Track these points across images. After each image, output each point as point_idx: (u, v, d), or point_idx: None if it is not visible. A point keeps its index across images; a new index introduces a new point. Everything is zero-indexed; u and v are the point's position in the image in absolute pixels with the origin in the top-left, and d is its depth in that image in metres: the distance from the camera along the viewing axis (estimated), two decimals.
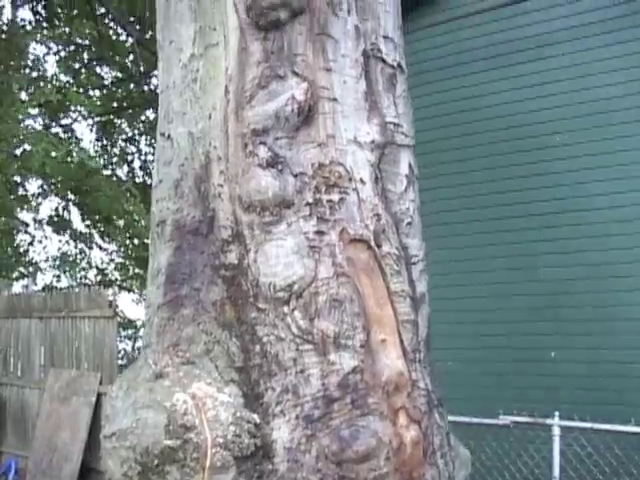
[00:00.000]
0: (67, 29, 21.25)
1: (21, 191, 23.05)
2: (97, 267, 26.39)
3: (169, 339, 2.88)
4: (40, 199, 23.84)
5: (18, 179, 22.17)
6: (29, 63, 20.00)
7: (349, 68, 2.93)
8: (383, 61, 3.07)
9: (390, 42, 3.12)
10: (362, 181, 2.85)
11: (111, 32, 21.05)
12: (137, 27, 18.60)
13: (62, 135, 22.01)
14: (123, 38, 21.10)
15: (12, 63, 16.91)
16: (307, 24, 2.88)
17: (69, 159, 19.53)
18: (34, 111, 20.12)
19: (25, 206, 23.70)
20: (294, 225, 2.73)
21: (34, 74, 20.47)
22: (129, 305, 26.41)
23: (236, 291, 2.81)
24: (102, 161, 23.80)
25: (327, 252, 2.73)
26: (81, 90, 21.28)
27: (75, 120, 22.73)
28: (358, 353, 2.69)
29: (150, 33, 17.22)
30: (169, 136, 3.10)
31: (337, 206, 2.77)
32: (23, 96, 19.24)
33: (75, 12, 20.09)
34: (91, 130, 23.50)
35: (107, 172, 23.81)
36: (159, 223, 3.07)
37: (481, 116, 10.17)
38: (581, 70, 9.66)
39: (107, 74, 23.38)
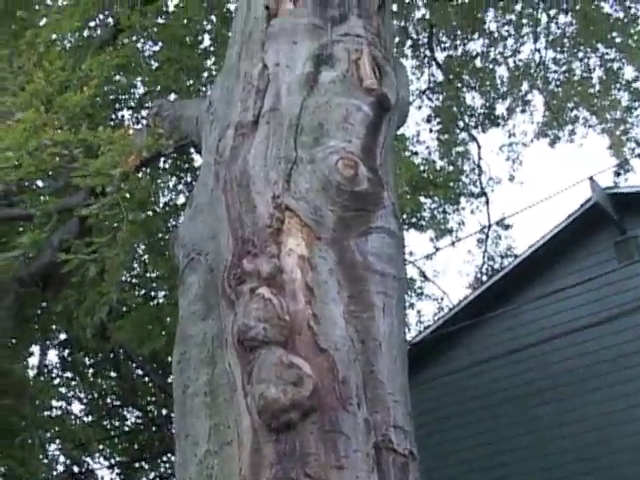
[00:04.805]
0: (91, 373, 21.84)
1: None
2: None
3: None
4: None
5: None
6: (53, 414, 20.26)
7: (360, 463, 2.96)
8: (394, 451, 3.11)
9: (400, 431, 3.18)
10: None
11: (134, 376, 21.56)
12: (159, 372, 19.06)
13: None
14: (146, 379, 21.60)
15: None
16: (318, 422, 2.97)
17: None
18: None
19: None
20: None
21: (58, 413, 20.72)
22: None
23: None
24: None
25: None
26: (104, 430, 21.39)
27: (96, 461, 22.59)
28: None
29: (171, 377, 17.61)
30: None
31: None
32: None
33: (99, 357, 20.79)
34: (112, 471, 23.26)
35: None
36: None
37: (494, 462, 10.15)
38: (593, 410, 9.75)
39: (130, 414, 23.62)
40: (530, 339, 10.36)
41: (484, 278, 18.15)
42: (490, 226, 18.70)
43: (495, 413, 10.44)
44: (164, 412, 19.97)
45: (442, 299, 21.20)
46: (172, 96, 11.60)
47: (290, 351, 3.06)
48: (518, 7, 15.08)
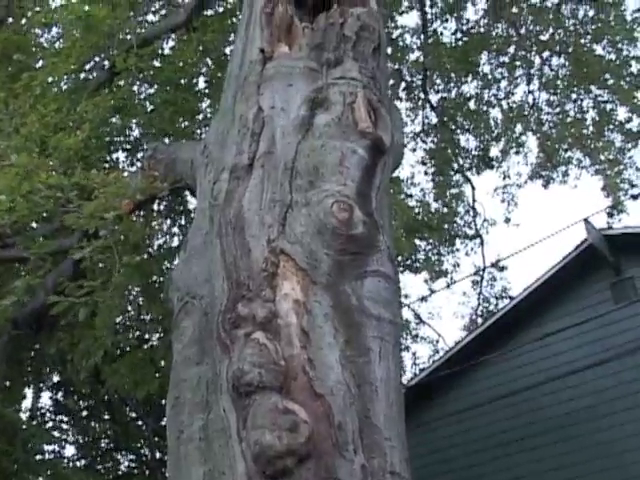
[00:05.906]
0: (84, 416, 21.66)
1: None
2: None
3: None
4: None
5: None
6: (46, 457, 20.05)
7: None
8: None
9: (397, 477, 3.15)
10: None
11: (127, 419, 21.38)
12: (153, 416, 18.90)
13: None
14: (139, 423, 21.40)
15: None
16: (314, 468, 2.93)
17: None
18: None
19: None
20: None
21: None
22: None
23: None
24: None
25: None
26: (97, 473, 21.14)
27: None
28: None
29: (165, 421, 17.44)
30: None
31: None
32: None
33: (93, 400, 20.66)
34: None
35: None
36: None
37: None
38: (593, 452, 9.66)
39: (123, 457, 23.37)
40: (527, 381, 10.30)
41: (479, 320, 18.06)
42: (485, 268, 18.64)
43: (491, 456, 10.33)
44: (157, 456, 19.72)
45: (437, 341, 21.03)
46: (167, 138, 11.62)
47: (285, 396, 3.03)
48: (511, 49, 15.21)
